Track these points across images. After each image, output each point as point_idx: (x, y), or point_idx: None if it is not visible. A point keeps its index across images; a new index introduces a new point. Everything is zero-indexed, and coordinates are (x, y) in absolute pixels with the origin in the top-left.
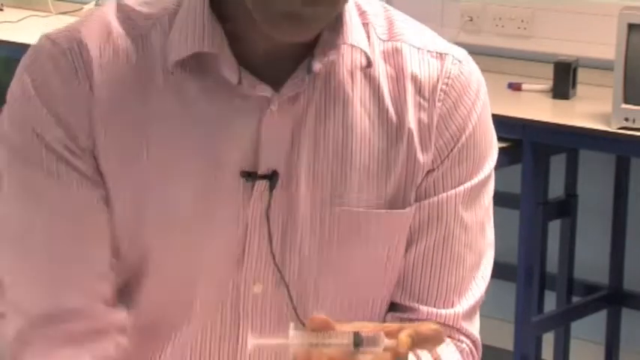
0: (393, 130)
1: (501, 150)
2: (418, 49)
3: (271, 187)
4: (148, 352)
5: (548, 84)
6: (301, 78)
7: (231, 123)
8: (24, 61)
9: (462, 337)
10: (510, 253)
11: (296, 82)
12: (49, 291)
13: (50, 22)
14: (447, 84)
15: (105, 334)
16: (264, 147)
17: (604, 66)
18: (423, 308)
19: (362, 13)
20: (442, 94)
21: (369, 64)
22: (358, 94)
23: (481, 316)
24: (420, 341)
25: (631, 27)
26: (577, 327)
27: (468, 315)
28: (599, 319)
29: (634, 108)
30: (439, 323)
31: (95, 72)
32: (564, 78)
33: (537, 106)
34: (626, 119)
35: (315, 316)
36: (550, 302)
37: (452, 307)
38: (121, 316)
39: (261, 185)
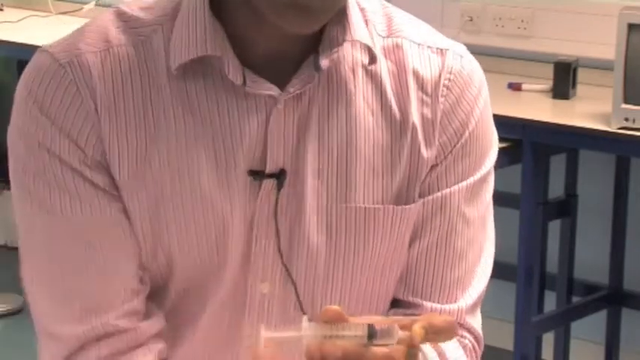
0: (396, 125)
1: (501, 150)
2: (418, 44)
3: (279, 186)
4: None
5: (548, 84)
6: (308, 75)
7: (238, 123)
8: (24, 79)
9: (465, 333)
10: (510, 253)
11: (303, 79)
12: (80, 314)
13: (50, 22)
14: (449, 79)
15: (143, 346)
16: (271, 145)
17: (604, 66)
18: (427, 304)
19: (361, 10)
20: (445, 89)
21: (373, 60)
22: (361, 91)
23: (481, 315)
24: (433, 333)
25: (631, 27)
26: (577, 327)
27: (471, 310)
28: (599, 319)
29: (634, 108)
30: None
31: (97, 85)
32: (564, 78)
33: (537, 106)
34: (626, 119)
35: (328, 307)
36: (550, 302)
37: (455, 302)
38: (156, 324)
39: (269, 184)
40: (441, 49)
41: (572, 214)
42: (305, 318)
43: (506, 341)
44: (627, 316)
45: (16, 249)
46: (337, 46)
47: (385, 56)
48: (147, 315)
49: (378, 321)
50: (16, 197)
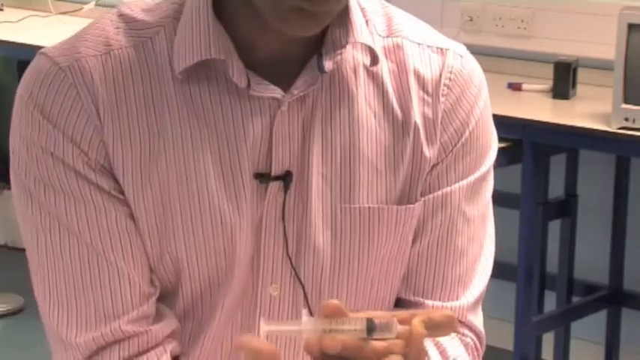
0: (399, 125)
1: (501, 150)
2: (418, 44)
3: (285, 188)
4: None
5: (548, 84)
6: (311, 77)
7: (243, 126)
8: (25, 82)
9: (467, 332)
10: (510, 253)
11: (306, 81)
12: (90, 321)
13: (50, 22)
14: (449, 79)
15: (156, 348)
16: (276, 147)
17: (604, 66)
18: (429, 302)
19: (361, 10)
20: (445, 88)
21: (375, 61)
22: (363, 92)
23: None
24: (433, 328)
25: (631, 27)
26: (577, 327)
27: (473, 308)
28: (599, 319)
29: (634, 108)
30: None
31: (99, 88)
32: (564, 78)
33: (537, 106)
34: (626, 119)
35: (328, 302)
36: (550, 302)
37: (457, 300)
38: (168, 326)
39: (275, 186)
40: (441, 49)
41: (572, 214)
42: (305, 312)
43: (506, 341)
44: (627, 316)
45: (16, 249)
46: (341, 49)
47: (386, 56)
48: (158, 318)
49: (377, 315)
50: (19, 202)
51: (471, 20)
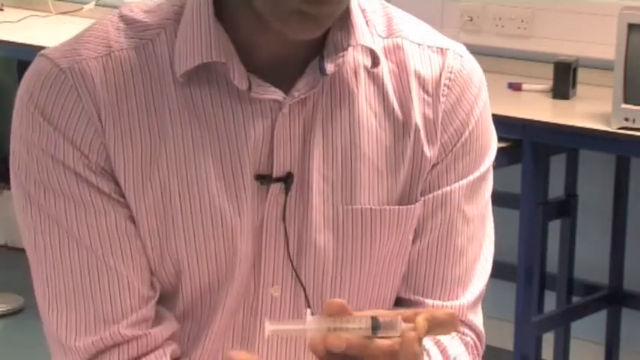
0: (399, 126)
1: (501, 150)
2: (418, 44)
3: (286, 189)
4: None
5: (548, 84)
6: (312, 79)
7: (244, 128)
8: (25, 84)
9: (467, 331)
10: (510, 253)
11: (307, 83)
12: (89, 325)
13: (50, 22)
14: (449, 79)
15: (155, 350)
16: (277, 149)
17: (604, 66)
18: (429, 302)
19: (362, 11)
20: (446, 88)
21: (375, 63)
22: (363, 93)
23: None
24: (436, 326)
25: (631, 27)
26: (577, 327)
27: (472, 307)
28: (599, 319)
29: (634, 108)
30: None
31: (100, 91)
32: (564, 78)
33: (537, 106)
34: (626, 119)
35: (332, 300)
36: (550, 302)
37: (456, 299)
38: (167, 329)
39: (276, 188)
40: (441, 49)
41: (572, 214)
42: (309, 311)
43: (506, 341)
44: (627, 316)
45: (16, 249)
46: (343, 51)
47: (386, 57)
48: (157, 320)
49: (382, 313)
50: (19, 204)
51: (471, 20)
